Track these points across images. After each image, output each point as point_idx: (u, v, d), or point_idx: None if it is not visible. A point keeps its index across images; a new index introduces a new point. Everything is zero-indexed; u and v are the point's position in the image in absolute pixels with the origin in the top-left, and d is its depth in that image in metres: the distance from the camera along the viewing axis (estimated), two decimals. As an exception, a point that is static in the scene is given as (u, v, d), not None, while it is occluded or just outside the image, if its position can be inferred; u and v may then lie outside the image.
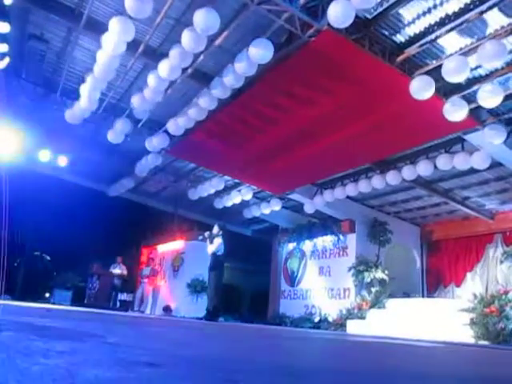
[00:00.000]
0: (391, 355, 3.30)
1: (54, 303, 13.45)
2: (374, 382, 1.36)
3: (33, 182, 11.94)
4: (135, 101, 8.03)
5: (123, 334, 2.50)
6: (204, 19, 5.75)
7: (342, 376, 1.39)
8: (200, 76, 7.93)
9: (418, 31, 6.51)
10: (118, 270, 13.86)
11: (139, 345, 1.83)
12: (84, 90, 7.84)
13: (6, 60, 7.26)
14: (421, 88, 6.53)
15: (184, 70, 7.21)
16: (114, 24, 6.05)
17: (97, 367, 0.97)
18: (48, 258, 22.46)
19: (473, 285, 12.14)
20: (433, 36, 6.37)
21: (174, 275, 15.81)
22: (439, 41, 6.55)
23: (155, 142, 9.61)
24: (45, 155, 11.11)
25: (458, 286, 12.74)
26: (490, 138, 7.62)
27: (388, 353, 3.60)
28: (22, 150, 10.01)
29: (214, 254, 8.88)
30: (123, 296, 15.01)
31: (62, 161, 11.43)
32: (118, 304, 14.26)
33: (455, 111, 6.91)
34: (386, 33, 6.67)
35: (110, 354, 1.30)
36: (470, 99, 7.05)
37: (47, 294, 17.36)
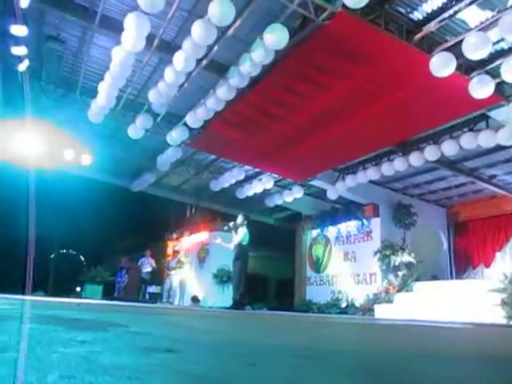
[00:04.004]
0: (412, 337, 3.27)
1: (85, 297, 13.83)
2: (390, 362, 1.36)
3: (59, 181, 12.24)
4: (152, 96, 8.09)
5: (146, 323, 2.56)
6: (219, 10, 5.72)
7: (358, 357, 1.39)
8: (215, 67, 7.92)
9: (435, 7, 6.32)
10: (148, 267, 14.06)
11: (161, 333, 1.87)
12: (102, 87, 7.94)
13: (26, 62, 7.40)
14: (441, 65, 6.34)
15: (199, 61, 7.21)
16: (130, 20, 6.08)
17: (115, 354, 0.99)
18: (79, 254, 23.11)
19: (503, 265, 11.86)
20: (451, 11, 6.17)
21: (200, 266, 16.02)
22: (459, 15, 6.33)
23: (175, 135, 9.68)
24: (69, 154, 11.32)
25: (487, 266, 12.48)
26: (515, 114, 7.38)
27: (409, 335, 3.57)
28: (46, 150, 10.24)
29: (239, 244, 8.92)
30: (152, 288, 15.31)
31: (86, 159, 11.62)
32: (148, 296, 14.55)
33: (481, 88, 6.69)
34: (403, 10, 6.50)
35: (131, 341, 1.34)
36: (494, 74, 6.82)
37: (78, 289, 17.87)
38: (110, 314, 3.48)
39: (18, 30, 6.70)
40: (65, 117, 9.76)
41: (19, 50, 7.12)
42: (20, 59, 7.35)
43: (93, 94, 8.60)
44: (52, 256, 21.01)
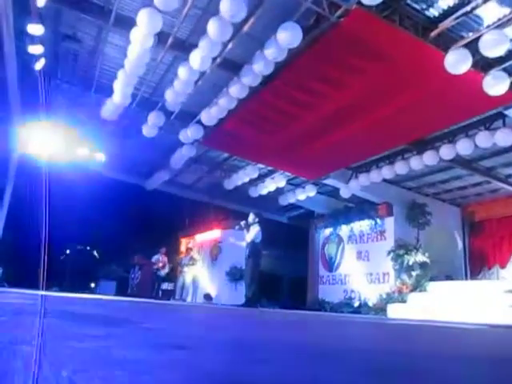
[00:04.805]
0: (425, 337, 3.24)
1: (99, 294, 13.98)
2: (403, 362, 1.35)
3: (73, 178, 12.36)
4: (169, 94, 8.13)
5: (159, 319, 2.58)
6: (230, 6, 5.74)
7: (371, 356, 1.38)
8: (229, 65, 7.93)
9: (452, 3, 6.23)
10: (166, 268, 14.11)
11: (172, 329, 1.89)
12: (117, 85, 8.01)
13: (42, 61, 7.50)
14: (456, 61, 6.24)
15: (213, 59, 7.23)
16: (142, 16, 6.13)
17: (127, 349, 1.00)
18: (93, 251, 23.38)
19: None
20: (468, 8, 6.07)
21: (212, 264, 16.08)
22: (476, 12, 6.23)
23: (190, 134, 9.71)
24: (83, 152, 11.44)
25: (502, 267, 12.28)
26: (533, 112, 7.25)
27: (423, 335, 3.54)
28: (61, 148, 10.37)
29: (252, 242, 8.96)
30: (165, 285, 15.40)
31: (100, 157, 11.74)
32: (161, 293, 14.65)
33: (496, 85, 6.58)
34: (418, 7, 6.42)
35: (143, 337, 1.35)
36: (511, 72, 6.71)
37: (93, 285, 18.08)
38: (123, 310, 3.52)
39: (35, 28, 6.80)
40: (80, 115, 9.87)
41: (36, 49, 7.22)
42: (36, 58, 7.45)
43: (108, 92, 8.67)
44: (67, 252, 21.29)
